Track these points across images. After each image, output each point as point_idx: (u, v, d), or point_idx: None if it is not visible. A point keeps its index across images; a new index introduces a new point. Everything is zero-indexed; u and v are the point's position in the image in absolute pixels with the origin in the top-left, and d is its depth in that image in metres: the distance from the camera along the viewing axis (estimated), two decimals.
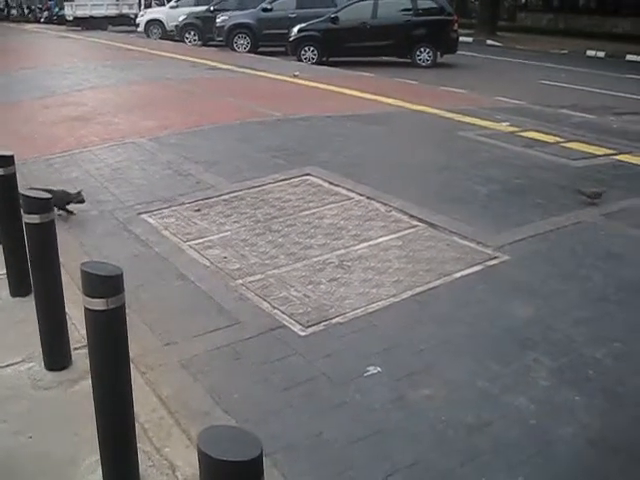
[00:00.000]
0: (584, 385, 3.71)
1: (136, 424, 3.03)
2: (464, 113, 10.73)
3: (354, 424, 3.40)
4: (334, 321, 4.37)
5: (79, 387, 3.68)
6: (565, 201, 6.52)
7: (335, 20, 18.90)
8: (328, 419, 3.45)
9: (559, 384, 3.72)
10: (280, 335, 4.22)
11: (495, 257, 5.28)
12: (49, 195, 3.88)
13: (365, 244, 5.51)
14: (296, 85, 13.90)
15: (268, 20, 21.26)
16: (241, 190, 6.85)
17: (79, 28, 32.09)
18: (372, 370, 3.83)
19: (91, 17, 32.97)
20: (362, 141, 8.95)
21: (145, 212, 6.33)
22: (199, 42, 24.27)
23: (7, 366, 3.93)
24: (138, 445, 3.02)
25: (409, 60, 18.98)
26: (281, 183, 7.05)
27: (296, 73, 14.99)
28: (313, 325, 4.32)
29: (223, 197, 6.67)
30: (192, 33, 24.60)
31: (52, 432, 3.36)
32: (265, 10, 21.43)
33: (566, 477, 3.09)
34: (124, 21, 33.30)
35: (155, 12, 29.02)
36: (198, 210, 6.35)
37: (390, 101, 11.84)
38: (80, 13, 33.10)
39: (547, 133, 9.47)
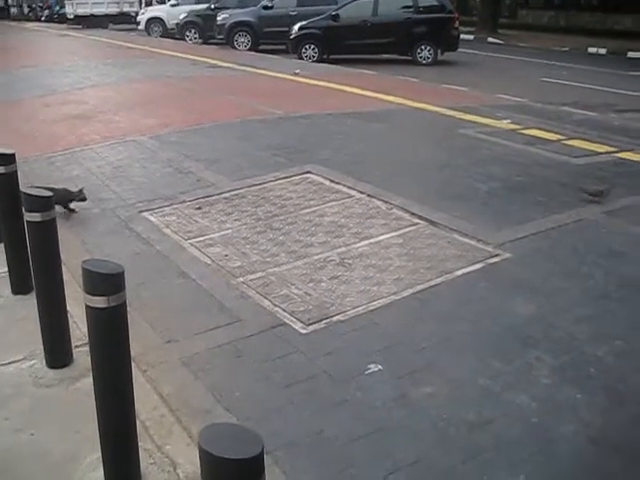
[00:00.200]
0: (585, 383, 3.71)
1: (137, 422, 3.03)
2: (465, 111, 10.73)
3: (355, 422, 3.40)
4: (335, 319, 4.36)
5: (80, 385, 3.68)
6: (566, 199, 6.52)
7: (336, 18, 18.88)
8: (329, 417, 3.44)
9: (561, 382, 3.71)
10: (281, 333, 4.22)
11: (496, 255, 5.28)
12: (50, 193, 3.88)
13: (366, 242, 5.51)
14: (297, 83, 13.89)
15: (269, 18, 21.25)
16: (242, 188, 6.85)
17: (80, 26, 32.13)
18: (373, 368, 3.83)
19: (92, 15, 33.02)
20: (363, 139, 8.94)
21: (146, 210, 6.33)
22: (200, 40, 24.26)
23: (9, 364, 3.93)
24: (139, 443, 3.02)
25: (410, 58, 18.98)
26: (282, 181, 7.05)
27: (297, 71, 14.99)
28: (314, 323, 4.32)
29: (224, 195, 6.67)
30: (193, 31, 24.59)
31: (53, 430, 3.36)
32: (266, 8, 21.43)
33: (567, 475, 3.09)
34: (125, 19, 33.32)
35: (156, 10, 29.03)
36: (199, 208, 6.35)
37: (391, 99, 11.83)
38: (81, 11, 33.15)
39: (548, 131, 9.46)
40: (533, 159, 7.99)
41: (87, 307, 2.73)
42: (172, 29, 26.33)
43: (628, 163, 7.93)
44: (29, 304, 4.22)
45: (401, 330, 4.26)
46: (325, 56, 18.93)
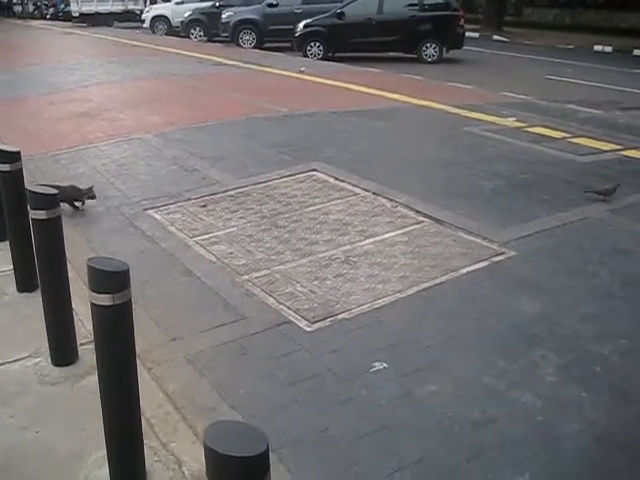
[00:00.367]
0: (591, 381, 3.70)
1: (142, 419, 3.04)
2: (470, 108, 10.71)
3: (360, 420, 3.40)
4: (340, 317, 4.36)
5: (86, 382, 3.69)
6: (571, 197, 6.50)
7: (341, 15, 18.86)
8: (334, 415, 3.45)
9: (566, 380, 3.71)
10: (286, 331, 4.22)
11: (501, 253, 5.27)
12: (55, 191, 3.88)
13: (371, 240, 5.51)
14: (302, 81, 13.88)
15: (274, 16, 21.26)
16: (247, 186, 6.85)
17: (85, 24, 32.17)
18: (378, 366, 3.83)
19: (97, 13, 33.07)
20: (368, 137, 8.94)
21: (151, 208, 6.34)
22: (205, 38, 24.28)
23: (14, 361, 3.94)
24: (144, 440, 3.02)
25: (415, 55, 18.97)
26: (287, 179, 7.05)
27: (302, 69, 14.99)
28: (319, 321, 4.32)
29: (229, 193, 6.67)
30: (198, 29, 24.62)
31: (59, 427, 3.37)
32: (271, 6, 21.44)
33: (572, 473, 3.08)
34: (130, 17, 33.35)
35: (161, 8, 29.04)
36: (204, 206, 6.36)
37: (396, 97, 11.82)
38: (86, 9, 33.19)
39: (553, 128, 9.44)
40: (538, 157, 7.97)
41: (92, 305, 2.73)
42: (177, 27, 26.34)
43: (633, 161, 7.91)
44: (34, 302, 4.23)
45: (406, 328, 4.26)
46: (330, 54, 18.94)
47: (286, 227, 5.80)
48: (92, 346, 2.99)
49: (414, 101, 11.40)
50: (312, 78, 14.04)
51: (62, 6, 39.05)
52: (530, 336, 4.14)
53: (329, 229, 5.73)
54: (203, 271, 5.06)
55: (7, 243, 4.92)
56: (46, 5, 42.90)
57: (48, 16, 40.71)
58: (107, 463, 2.95)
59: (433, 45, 18.85)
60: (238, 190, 6.74)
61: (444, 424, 3.36)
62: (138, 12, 32.49)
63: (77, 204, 6.23)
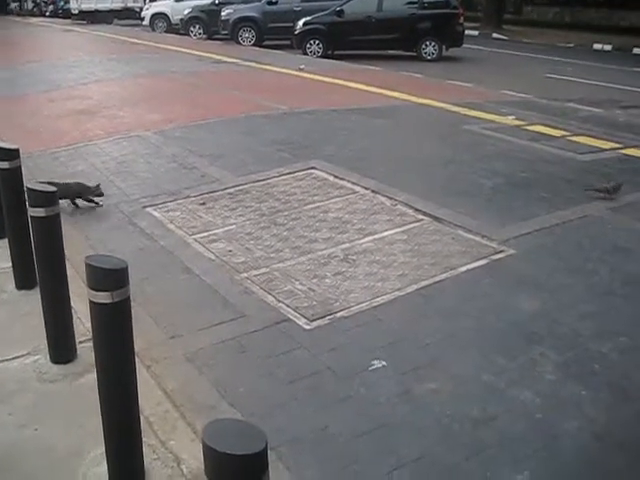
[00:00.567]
0: (590, 379, 3.70)
1: (141, 417, 3.04)
2: (470, 107, 10.71)
3: (359, 418, 3.40)
4: (339, 315, 4.36)
5: (84, 380, 3.68)
6: (571, 195, 6.50)
7: (340, 13, 18.84)
8: (333, 413, 3.44)
9: (565, 378, 3.71)
10: (285, 329, 4.21)
11: (500, 251, 5.27)
12: (54, 188, 3.87)
13: (370, 238, 5.50)
14: (301, 78, 13.87)
15: (273, 13, 21.24)
16: (246, 183, 6.85)
17: (84, 22, 32.10)
18: (377, 364, 3.83)
19: (96, 11, 32.99)
20: (367, 135, 8.93)
21: (150, 205, 6.33)
22: (204, 35, 24.25)
23: (13, 359, 3.93)
24: (143, 438, 3.02)
25: (414, 53, 18.94)
26: (286, 177, 7.04)
27: (301, 66, 14.98)
28: (318, 319, 4.31)
29: (228, 190, 6.67)
30: (197, 26, 24.58)
31: (57, 425, 3.36)
32: (270, 3, 21.41)
33: (572, 471, 3.08)
34: (129, 15, 33.28)
35: (160, 5, 28.94)
36: (203, 203, 6.35)
37: (395, 94, 11.81)
38: (85, 7, 33.10)
39: (553, 127, 9.44)
40: (538, 155, 7.97)
41: (91, 302, 2.73)
42: (176, 24, 26.30)
43: (633, 159, 7.91)
44: (33, 299, 4.23)
45: (405, 326, 4.25)
46: (330, 52, 18.92)
47: (285, 225, 5.80)
48: (91, 344, 2.99)
49: (414, 99, 11.40)
50: (312, 76, 14.03)
51: (61, 3, 38.96)
52: (529, 334, 4.14)
53: (328, 227, 5.72)
54: (202, 269, 5.06)
55: (6, 240, 4.91)
56: (45, 2, 42.81)
57: (47, 13, 40.61)
58: (106, 460, 2.94)
59: (433, 43, 18.84)
60: (237, 188, 6.73)
61: (443, 422, 3.36)
62: (137, 9, 32.43)
63: (77, 201, 6.22)
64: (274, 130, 9.06)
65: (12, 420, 3.41)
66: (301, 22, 19.20)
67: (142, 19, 28.98)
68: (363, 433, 3.28)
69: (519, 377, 3.72)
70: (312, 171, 7.20)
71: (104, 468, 2.95)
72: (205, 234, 5.67)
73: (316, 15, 19.13)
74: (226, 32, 22.18)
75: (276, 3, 21.36)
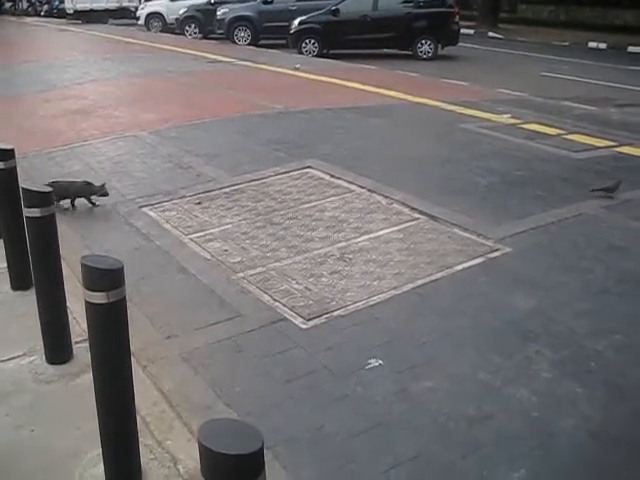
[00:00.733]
0: (586, 377, 3.71)
1: (137, 418, 3.03)
2: (465, 105, 10.71)
3: (356, 417, 3.40)
4: (335, 314, 4.36)
5: (80, 381, 3.68)
6: (566, 193, 6.51)
7: (336, 12, 18.85)
8: (330, 412, 3.44)
9: (561, 376, 3.71)
10: (281, 328, 4.22)
11: (496, 249, 5.28)
12: (49, 189, 3.87)
13: (366, 237, 5.51)
14: (297, 78, 13.87)
15: (269, 12, 21.22)
16: (242, 183, 6.85)
17: (79, 21, 32.03)
18: (374, 363, 3.83)
19: (91, 10, 32.92)
20: (363, 134, 8.93)
21: (146, 205, 6.33)
22: (200, 35, 24.23)
23: (9, 360, 3.93)
24: (140, 439, 3.02)
25: (410, 52, 18.95)
26: (282, 176, 7.04)
27: (297, 66, 14.97)
28: (314, 318, 4.31)
29: (224, 190, 6.67)
30: (192, 26, 24.55)
31: (54, 426, 3.36)
32: (266, 3, 21.40)
33: (568, 469, 3.08)
34: (124, 14, 33.23)
35: (155, 5, 28.90)
36: (199, 203, 6.35)
37: (391, 93, 11.81)
38: (80, 6, 33.03)
39: (548, 125, 9.45)
40: (533, 153, 7.98)
41: (86, 303, 2.72)
42: (172, 24, 26.27)
43: (627, 157, 7.92)
44: (29, 300, 4.22)
45: (401, 325, 4.26)
46: (325, 51, 18.92)
47: (281, 224, 5.79)
48: (87, 344, 2.98)
49: (409, 98, 11.40)
50: (307, 75, 14.02)
51: (56, 3, 38.87)
52: (525, 332, 4.14)
53: (324, 226, 5.72)
54: (198, 268, 5.06)
55: (1, 241, 4.91)
56: (40, 2, 42.72)
57: (42, 13, 40.52)
58: (102, 461, 2.94)
59: (428, 42, 18.86)
60: (233, 187, 6.73)
61: (440, 421, 3.36)
62: (133, 9, 32.38)
63: (70, 201, 6.22)
64: (270, 129, 9.06)
65: (8, 421, 3.40)
66: (296, 21, 19.20)
67: (137, 19, 28.94)
68: (360, 432, 3.28)
69: (515, 375, 3.73)
70: (308, 170, 7.20)
71: (101, 469, 2.95)
72: (201, 234, 5.66)
73: (312, 14, 19.13)
74: (221, 31, 22.17)
75: (271, 2, 21.35)
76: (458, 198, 6.33)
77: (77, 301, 3.96)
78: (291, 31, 19.28)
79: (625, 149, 8.23)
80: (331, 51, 18.84)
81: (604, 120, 10.12)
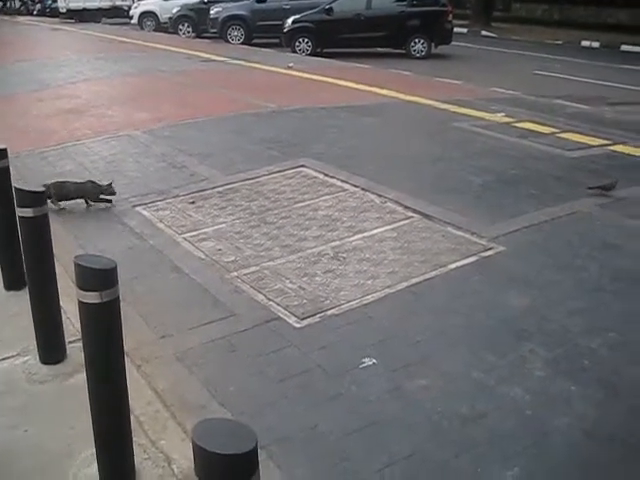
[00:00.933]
0: (579, 375, 3.72)
1: (131, 417, 3.03)
2: (459, 104, 10.72)
3: (350, 416, 3.40)
4: (329, 313, 4.36)
5: (74, 380, 3.67)
6: (560, 191, 6.52)
7: (329, 11, 18.85)
8: (323, 411, 3.44)
9: (554, 375, 3.72)
10: (275, 327, 4.21)
11: (490, 248, 5.28)
12: (42, 188, 3.86)
13: (360, 235, 5.51)
14: (290, 77, 13.86)
15: (262, 11, 21.20)
16: (235, 182, 6.84)
17: (72, 20, 31.94)
18: (367, 362, 3.83)
19: (84, 9, 32.80)
20: (356, 133, 8.93)
21: (139, 205, 6.32)
22: (193, 34, 24.18)
23: (2, 360, 3.92)
24: (133, 438, 3.01)
25: (403, 51, 18.97)
26: (275, 175, 7.03)
27: (290, 65, 14.96)
28: (308, 317, 4.31)
29: (217, 189, 6.66)
30: (186, 25, 24.50)
31: (48, 426, 3.35)
32: (259, 1, 21.37)
33: (562, 468, 3.09)
34: (118, 13, 33.13)
35: (149, 4, 28.80)
36: (193, 202, 6.34)
37: (384, 92, 11.81)
38: (73, 5, 32.92)
39: (542, 124, 9.46)
40: (527, 152, 7.99)
41: (80, 303, 2.72)
42: (165, 23, 26.20)
43: (620, 156, 7.94)
44: (22, 300, 4.20)
45: (395, 324, 4.26)
46: (319, 50, 18.90)
47: (275, 223, 5.79)
48: (80, 344, 2.97)
49: (403, 97, 11.40)
50: (301, 74, 14.02)
51: (49, 2, 38.77)
52: (519, 331, 4.15)
53: (318, 225, 5.72)
54: (192, 268, 5.05)
55: None
56: (33, 1, 42.60)
57: (35, 12, 40.40)
58: (96, 461, 2.94)
59: (422, 41, 18.87)
60: (227, 186, 6.72)
61: (434, 419, 3.37)
62: (126, 8, 32.27)
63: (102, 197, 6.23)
64: (263, 128, 9.05)
65: (2, 422, 3.39)
66: (290, 20, 19.19)
67: (130, 18, 28.84)
68: (354, 431, 3.29)
69: (509, 374, 3.73)
70: (301, 169, 7.20)
71: (95, 469, 2.95)
72: (195, 233, 5.66)
73: (305, 13, 19.13)
74: (215, 30, 22.13)
75: (265, 1, 21.33)
76: (452, 197, 6.34)
77: (70, 301, 3.95)
78: (285, 30, 19.27)
79: (618, 147, 8.25)
80: (325, 50, 18.83)
81: (597, 119, 10.15)
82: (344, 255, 5.16)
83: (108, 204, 6.24)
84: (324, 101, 10.94)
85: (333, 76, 13.53)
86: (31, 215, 3.68)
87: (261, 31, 21.23)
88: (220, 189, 6.66)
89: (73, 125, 9.47)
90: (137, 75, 14.07)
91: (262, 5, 21.30)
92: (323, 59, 17.38)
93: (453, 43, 19.78)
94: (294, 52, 18.81)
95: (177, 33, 24.34)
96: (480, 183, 6.80)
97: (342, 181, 6.77)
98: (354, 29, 18.61)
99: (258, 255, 5.21)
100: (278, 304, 4.47)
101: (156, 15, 27.44)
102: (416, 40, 18.85)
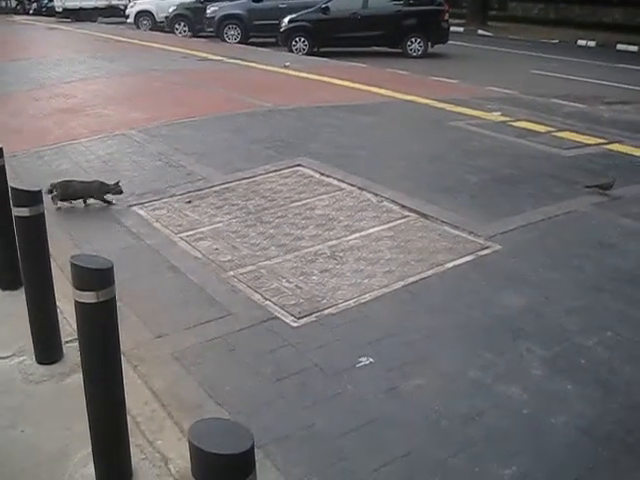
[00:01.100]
0: (576, 374, 3.72)
1: (128, 417, 3.02)
2: (455, 103, 10.73)
3: (347, 415, 3.40)
4: (326, 312, 4.36)
5: (70, 380, 3.67)
6: (557, 190, 6.53)
7: (326, 10, 18.84)
8: (320, 410, 3.44)
9: (552, 373, 3.72)
10: (272, 326, 4.21)
11: (487, 247, 5.29)
12: (38, 188, 3.85)
13: (357, 235, 5.50)
14: (287, 76, 13.85)
15: (259, 11, 21.17)
16: (232, 181, 6.83)
17: (69, 20, 31.88)
18: (364, 361, 3.83)
19: (81, 8, 32.71)
20: (353, 132, 8.93)
21: (136, 204, 6.30)
22: (189, 33, 24.14)
23: None
24: (130, 438, 3.01)
25: (400, 50, 18.97)
26: (272, 174, 7.03)
27: (287, 64, 14.95)
28: (305, 316, 4.31)
29: (214, 189, 6.65)
30: (182, 24, 24.46)
31: (44, 426, 3.35)
32: (255, 1, 21.34)
33: (559, 466, 3.09)
34: (114, 12, 33.05)
35: (145, 3, 28.73)
36: (189, 202, 6.33)
37: (381, 91, 11.81)
38: (70, 4, 32.84)
39: (538, 123, 9.47)
40: (523, 151, 8.00)
41: (76, 302, 2.71)
42: (161, 22, 26.15)
43: (616, 155, 7.95)
44: (18, 300, 4.20)
45: (392, 323, 4.26)
46: (315, 49, 18.91)
47: (271, 223, 5.79)
48: (77, 344, 2.97)
49: (399, 96, 11.40)
50: (297, 73, 14.01)
51: (45, 1, 38.70)
52: (516, 329, 4.15)
53: (315, 224, 5.72)
54: (188, 267, 5.04)
55: None
56: (29, 0, 42.51)
57: (31, 11, 40.28)
58: (93, 461, 2.93)
59: (418, 40, 18.88)
60: (223, 186, 6.72)
61: (431, 418, 3.36)
62: (122, 7, 32.20)
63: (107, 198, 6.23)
64: (260, 128, 9.04)
65: None
66: (286, 19, 19.17)
67: (127, 17, 28.78)
68: (351, 430, 3.28)
69: (506, 373, 3.73)
70: (298, 168, 7.19)
71: (91, 469, 2.95)
72: (191, 232, 5.65)
73: (302, 12, 19.11)
74: (211, 30, 22.09)
75: (261, 0, 21.30)
76: (448, 196, 6.34)
77: (67, 301, 3.95)
78: (281, 29, 19.25)
79: (615, 146, 8.27)
80: (321, 49, 18.83)
81: (593, 118, 10.16)
82: (341, 254, 5.16)
83: (108, 204, 6.22)
84: (321, 100, 10.93)
85: (329, 75, 13.53)
86: (27, 215, 3.67)
87: (257, 30, 21.22)
88: (216, 188, 6.65)
89: (69, 124, 9.45)
90: (133, 74, 14.05)
91: (258, 4, 21.27)
92: (319, 58, 17.38)
93: (449, 42, 19.79)
94: (290, 51, 18.80)
95: (173, 32, 24.29)
96: (476, 182, 6.80)
97: (339, 180, 6.77)
98: (350, 28, 18.61)
99: (255, 254, 5.20)
100: (275, 303, 4.47)
101: (152, 14, 27.38)
102: (412, 39, 18.86)
